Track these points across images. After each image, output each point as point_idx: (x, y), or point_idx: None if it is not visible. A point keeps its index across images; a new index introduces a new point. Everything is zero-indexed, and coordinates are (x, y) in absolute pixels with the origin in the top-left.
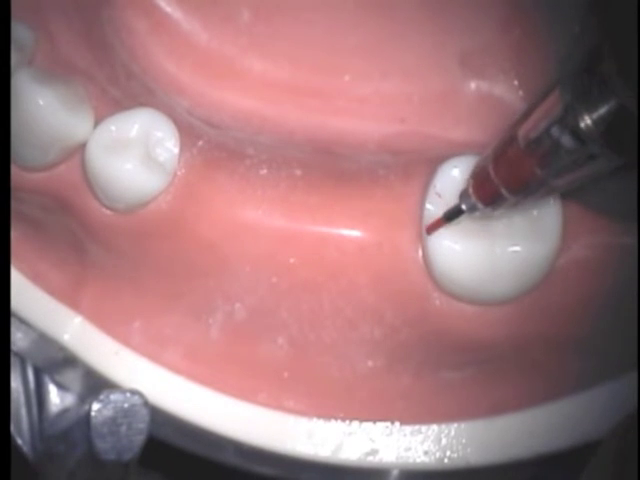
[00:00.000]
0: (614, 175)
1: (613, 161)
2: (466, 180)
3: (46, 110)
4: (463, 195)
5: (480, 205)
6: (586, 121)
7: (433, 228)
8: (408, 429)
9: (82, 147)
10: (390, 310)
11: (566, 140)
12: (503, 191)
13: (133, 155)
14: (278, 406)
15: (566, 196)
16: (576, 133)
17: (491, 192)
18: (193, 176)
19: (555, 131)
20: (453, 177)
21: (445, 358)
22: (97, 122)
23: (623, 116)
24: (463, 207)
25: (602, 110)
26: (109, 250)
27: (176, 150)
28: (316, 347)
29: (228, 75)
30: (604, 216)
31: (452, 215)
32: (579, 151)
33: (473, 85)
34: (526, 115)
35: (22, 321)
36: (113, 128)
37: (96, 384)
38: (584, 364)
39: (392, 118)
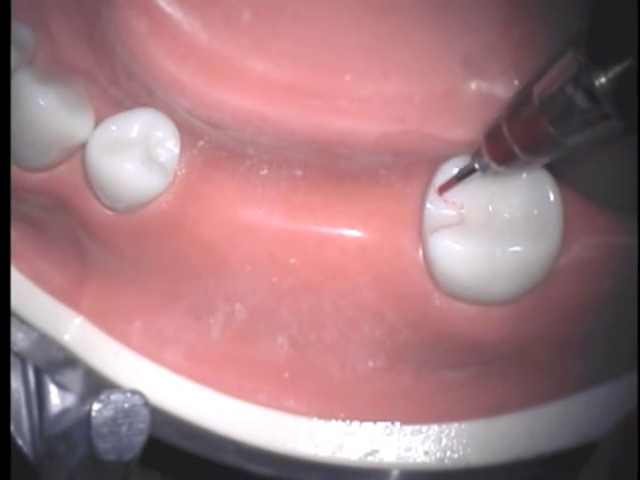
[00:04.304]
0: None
1: (625, 123)
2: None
3: (46, 110)
4: (476, 155)
5: (493, 164)
6: (600, 80)
7: (445, 188)
8: (408, 429)
9: (82, 147)
10: (391, 310)
11: (580, 99)
12: (516, 150)
13: (133, 155)
14: (278, 406)
15: (567, 194)
16: (590, 92)
17: (504, 151)
18: (194, 176)
19: (569, 90)
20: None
21: (445, 358)
22: (97, 122)
23: (634, 76)
24: (476, 166)
25: (617, 69)
26: (109, 250)
27: (176, 150)
28: (316, 347)
29: (229, 75)
30: (606, 210)
31: (465, 174)
32: (592, 110)
33: (474, 85)
34: (540, 74)
35: (22, 321)
36: (113, 128)
37: (96, 384)
38: (584, 364)
39: (392, 118)
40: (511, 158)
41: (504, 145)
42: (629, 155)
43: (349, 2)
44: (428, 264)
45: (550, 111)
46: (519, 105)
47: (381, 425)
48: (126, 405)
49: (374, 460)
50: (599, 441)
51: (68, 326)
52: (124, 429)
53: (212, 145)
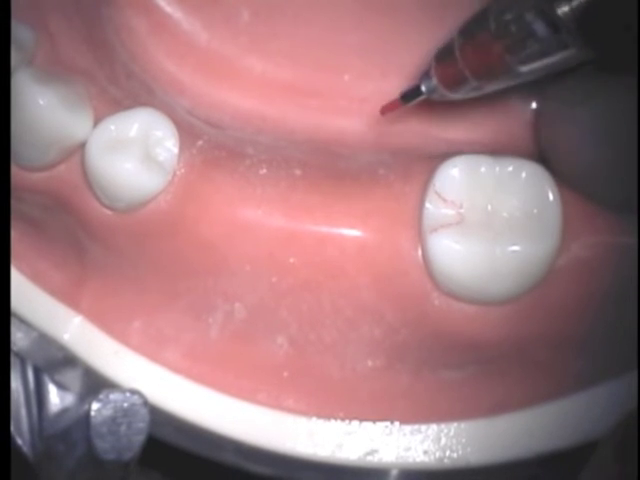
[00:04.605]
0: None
1: (583, 52)
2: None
3: (46, 110)
4: (424, 76)
5: (440, 87)
6: (563, 9)
7: (389, 109)
8: (408, 429)
9: (82, 147)
10: (390, 310)
11: (539, 27)
12: (467, 74)
13: (133, 155)
14: (278, 406)
15: (566, 194)
16: (551, 20)
17: (454, 75)
18: (193, 176)
19: (529, 17)
20: (453, 176)
21: (445, 358)
22: (97, 122)
23: (599, 6)
24: (423, 88)
25: None
26: (109, 249)
27: (176, 150)
28: (316, 347)
29: (228, 75)
30: (605, 210)
31: (410, 96)
32: (552, 39)
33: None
34: None
35: (22, 321)
36: (113, 128)
37: (96, 384)
38: (584, 364)
39: (392, 118)
40: (460, 82)
41: (454, 68)
42: (628, 150)
43: (349, 2)
44: (427, 264)
45: (506, 37)
46: (474, 28)
47: (380, 425)
48: (125, 404)
49: (373, 460)
50: (600, 440)
51: (67, 326)
52: (123, 428)
53: (211, 144)
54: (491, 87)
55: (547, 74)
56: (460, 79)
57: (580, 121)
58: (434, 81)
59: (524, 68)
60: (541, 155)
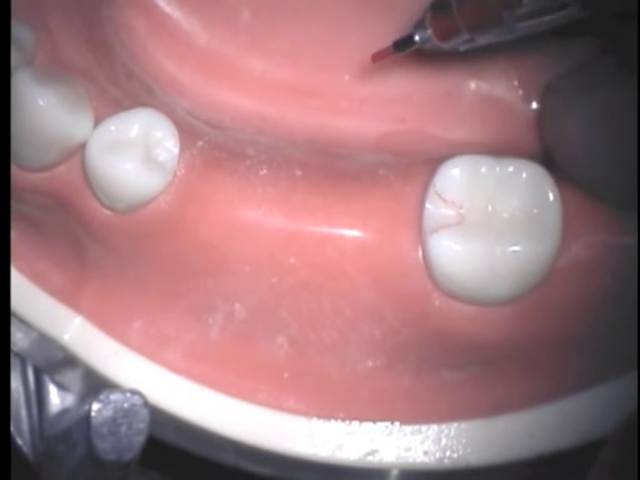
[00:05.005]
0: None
1: (582, 12)
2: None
3: (46, 110)
4: (418, 26)
5: (434, 38)
6: None
7: (380, 56)
8: (408, 429)
9: (82, 147)
10: (390, 310)
11: None
12: (461, 26)
13: (133, 155)
14: (278, 406)
15: (566, 194)
16: None
17: (448, 26)
18: (193, 176)
19: None
20: (453, 177)
21: (445, 358)
22: (97, 122)
23: None
24: (416, 38)
25: None
26: (109, 250)
27: (176, 150)
28: (316, 347)
29: (228, 75)
30: (604, 206)
31: (403, 45)
32: None
33: (473, 85)
34: None
35: (22, 321)
36: (113, 128)
37: (96, 384)
38: (584, 364)
39: (392, 118)
40: (454, 34)
41: (449, 20)
42: (630, 145)
43: (349, 2)
44: (428, 264)
45: None
46: None
47: (381, 425)
48: (125, 405)
49: (373, 460)
50: (599, 441)
51: (68, 326)
52: (123, 429)
53: (211, 145)
54: (482, 40)
55: (542, 30)
56: (453, 30)
57: (583, 114)
58: (428, 32)
59: (518, 25)
60: (544, 151)
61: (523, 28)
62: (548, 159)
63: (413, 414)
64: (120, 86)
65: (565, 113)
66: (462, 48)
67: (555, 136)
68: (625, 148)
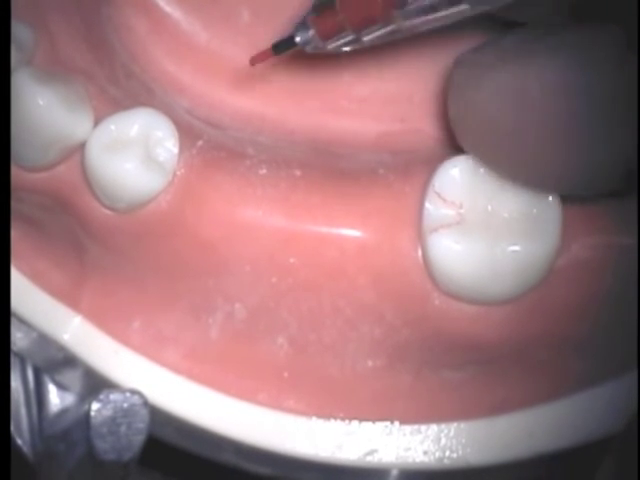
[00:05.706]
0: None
1: (475, 9)
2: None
3: (46, 110)
4: (299, 26)
5: (316, 38)
6: None
7: (259, 59)
8: (408, 429)
9: (82, 147)
10: (390, 310)
11: None
12: (346, 26)
13: (133, 155)
14: (278, 406)
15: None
16: None
17: (332, 26)
18: (193, 176)
19: None
20: (453, 176)
21: (445, 358)
22: (97, 122)
23: None
24: (297, 39)
25: None
26: (109, 250)
27: (176, 150)
28: (316, 347)
29: (228, 75)
30: (606, 209)
31: (282, 46)
32: None
33: None
34: None
35: (22, 321)
36: (113, 128)
37: (96, 384)
38: (584, 364)
39: (392, 118)
40: (338, 34)
41: (333, 19)
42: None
43: None
44: (427, 264)
45: None
46: None
47: (380, 425)
48: (125, 405)
49: (373, 460)
50: (599, 441)
51: (67, 326)
52: (123, 429)
53: (211, 145)
54: (370, 40)
55: (433, 29)
56: (338, 31)
57: (496, 84)
58: (310, 32)
59: (406, 24)
60: (446, 124)
61: (410, 27)
62: (449, 134)
63: (413, 414)
64: (120, 86)
65: (477, 84)
66: (346, 49)
67: (465, 105)
68: (532, 122)
